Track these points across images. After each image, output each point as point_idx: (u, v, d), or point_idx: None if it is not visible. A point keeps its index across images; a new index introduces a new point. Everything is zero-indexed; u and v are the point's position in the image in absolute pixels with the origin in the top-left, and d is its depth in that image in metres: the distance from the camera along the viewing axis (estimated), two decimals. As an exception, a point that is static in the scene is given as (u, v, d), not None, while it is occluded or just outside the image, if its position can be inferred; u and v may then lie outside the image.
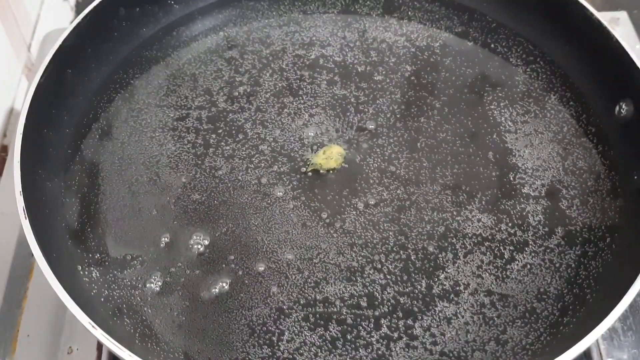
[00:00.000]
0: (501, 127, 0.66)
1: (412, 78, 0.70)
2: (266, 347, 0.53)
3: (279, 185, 0.62)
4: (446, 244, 0.58)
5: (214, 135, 0.66)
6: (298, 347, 0.53)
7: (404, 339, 0.53)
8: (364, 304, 0.55)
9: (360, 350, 0.53)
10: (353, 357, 0.52)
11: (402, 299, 0.55)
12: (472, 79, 0.70)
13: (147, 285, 0.56)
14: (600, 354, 0.58)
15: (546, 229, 0.59)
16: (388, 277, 0.56)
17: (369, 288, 0.56)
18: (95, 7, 0.66)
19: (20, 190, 0.53)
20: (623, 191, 0.61)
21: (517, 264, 0.57)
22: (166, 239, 0.58)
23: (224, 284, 0.56)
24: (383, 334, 0.53)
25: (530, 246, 0.58)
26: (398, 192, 0.61)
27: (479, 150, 0.64)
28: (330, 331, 0.53)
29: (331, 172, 0.62)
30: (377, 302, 0.55)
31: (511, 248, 0.58)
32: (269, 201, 0.61)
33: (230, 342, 0.53)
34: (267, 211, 0.60)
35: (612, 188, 0.61)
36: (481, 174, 0.62)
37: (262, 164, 0.63)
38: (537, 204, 0.60)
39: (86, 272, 0.57)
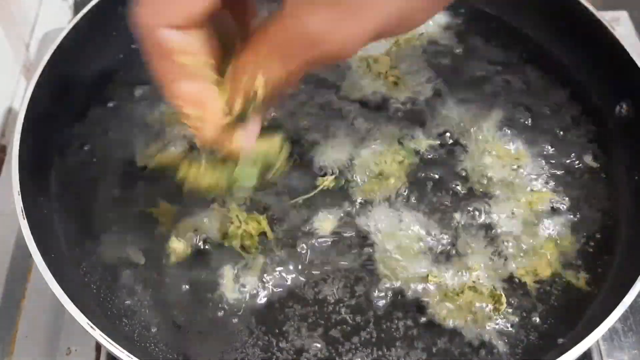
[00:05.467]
0: (502, 127, 0.65)
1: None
2: (266, 347, 0.53)
3: (280, 185, 0.61)
4: (446, 243, 0.58)
5: (213, 135, 0.65)
6: (298, 347, 0.53)
7: (405, 339, 0.53)
8: (364, 304, 0.55)
9: (360, 350, 0.52)
10: (353, 357, 0.52)
11: (402, 299, 0.55)
12: (472, 78, 0.69)
13: (146, 285, 0.56)
14: (601, 354, 0.58)
15: (547, 229, 0.59)
16: (388, 277, 0.56)
17: (368, 288, 0.55)
18: (93, 7, 0.66)
19: (19, 190, 0.53)
20: (623, 191, 0.61)
21: (518, 264, 0.57)
22: (165, 239, 0.58)
23: (224, 284, 0.56)
24: (383, 334, 0.53)
25: (531, 246, 0.58)
26: (397, 192, 0.61)
27: (480, 149, 0.64)
28: (330, 331, 0.53)
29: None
30: (377, 303, 0.55)
31: (512, 248, 0.58)
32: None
33: (230, 343, 0.53)
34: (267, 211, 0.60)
35: (613, 188, 0.61)
36: (481, 173, 0.62)
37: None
38: (537, 204, 0.60)
39: (85, 273, 0.56)
